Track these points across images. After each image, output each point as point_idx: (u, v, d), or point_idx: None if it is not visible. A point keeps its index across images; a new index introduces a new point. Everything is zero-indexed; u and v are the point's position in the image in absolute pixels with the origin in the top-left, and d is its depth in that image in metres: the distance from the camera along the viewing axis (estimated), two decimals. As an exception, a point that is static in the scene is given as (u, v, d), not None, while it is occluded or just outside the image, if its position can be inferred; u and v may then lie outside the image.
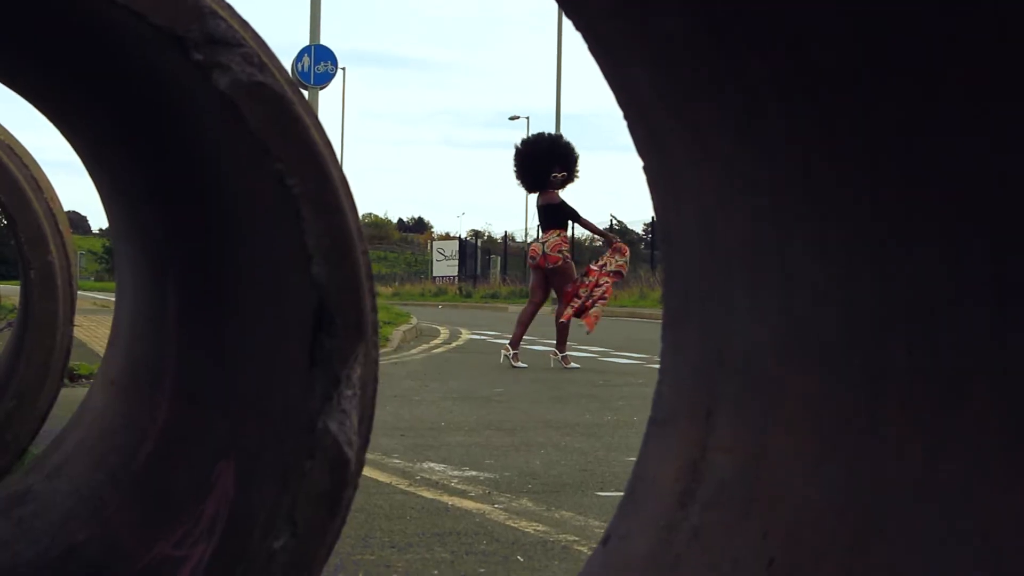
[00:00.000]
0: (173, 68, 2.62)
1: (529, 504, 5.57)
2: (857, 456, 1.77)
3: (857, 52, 1.70)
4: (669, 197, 2.23)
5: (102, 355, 12.52)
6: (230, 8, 2.55)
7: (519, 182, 15.20)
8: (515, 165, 15.15)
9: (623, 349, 17.97)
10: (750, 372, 2.00)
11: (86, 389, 8.24)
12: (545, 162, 14.88)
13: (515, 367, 14.18)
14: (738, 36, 1.86)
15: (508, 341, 14.98)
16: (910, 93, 1.62)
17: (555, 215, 14.94)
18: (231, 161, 2.82)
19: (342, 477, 2.48)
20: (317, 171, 2.49)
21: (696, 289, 2.18)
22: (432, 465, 6.64)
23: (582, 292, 14.54)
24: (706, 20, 1.90)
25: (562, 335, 14.66)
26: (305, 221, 2.47)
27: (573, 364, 14.45)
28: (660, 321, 2.35)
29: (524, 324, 14.92)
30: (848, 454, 1.79)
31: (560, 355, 14.56)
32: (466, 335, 21.55)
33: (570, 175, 15.02)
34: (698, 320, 2.16)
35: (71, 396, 6.81)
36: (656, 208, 2.32)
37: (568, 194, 15.94)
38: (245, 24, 2.56)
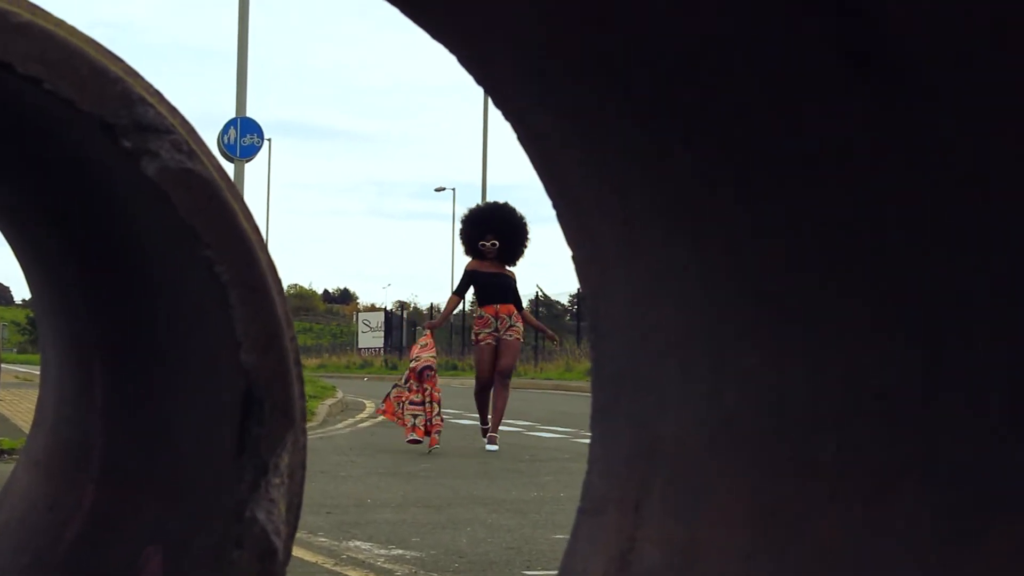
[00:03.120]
0: (101, 153, 2.62)
1: (456, 583, 5.54)
2: (787, 549, 1.78)
3: (785, 142, 1.72)
4: (599, 285, 2.24)
5: (25, 430, 12.30)
6: (159, 94, 2.54)
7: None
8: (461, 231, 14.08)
9: (549, 423, 17.93)
10: (680, 462, 2.01)
11: (9, 465, 8.13)
12: (479, 230, 13.72)
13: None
14: (666, 126, 1.88)
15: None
16: (838, 187, 1.64)
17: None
18: (160, 245, 2.81)
19: (270, 567, 2.46)
20: (245, 258, 2.49)
21: (626, 378, 2.18)
22: (358, 544, 6.59)
23: (415, 398, 12.99)
24: (633, 111, 1.92)
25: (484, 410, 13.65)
26: (234, 308, 2.46)
27: (492, 446, 13.09)
28: (586, 394, 2.36)
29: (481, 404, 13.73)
30: (779, 546, 1.80)
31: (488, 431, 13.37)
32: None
33: (504, 245, 13.62)
34: (627, 409, 2.17)
35: (-8, 474, 6.71)
36: (586, 294, 2.33)
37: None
38: (174, 110, 2.56)
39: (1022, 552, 1.57)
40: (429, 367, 13.11)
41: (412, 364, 13.24)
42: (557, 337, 15.74)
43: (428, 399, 12.91)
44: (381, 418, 14.86)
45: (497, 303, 13.54)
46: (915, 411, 1.61)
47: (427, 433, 12.87)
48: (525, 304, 14.78)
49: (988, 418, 1.63)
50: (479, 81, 2.29)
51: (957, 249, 1.61)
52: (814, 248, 1.72)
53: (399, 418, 12.95)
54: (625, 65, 1.87)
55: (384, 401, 13.29)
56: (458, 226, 14.30)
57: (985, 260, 1.59)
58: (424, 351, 13.41)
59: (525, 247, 13.88)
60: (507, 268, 13.77)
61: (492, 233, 13.62)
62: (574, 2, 1.89)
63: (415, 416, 12.84)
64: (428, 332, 13.96)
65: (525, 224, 13.88)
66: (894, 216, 1.63)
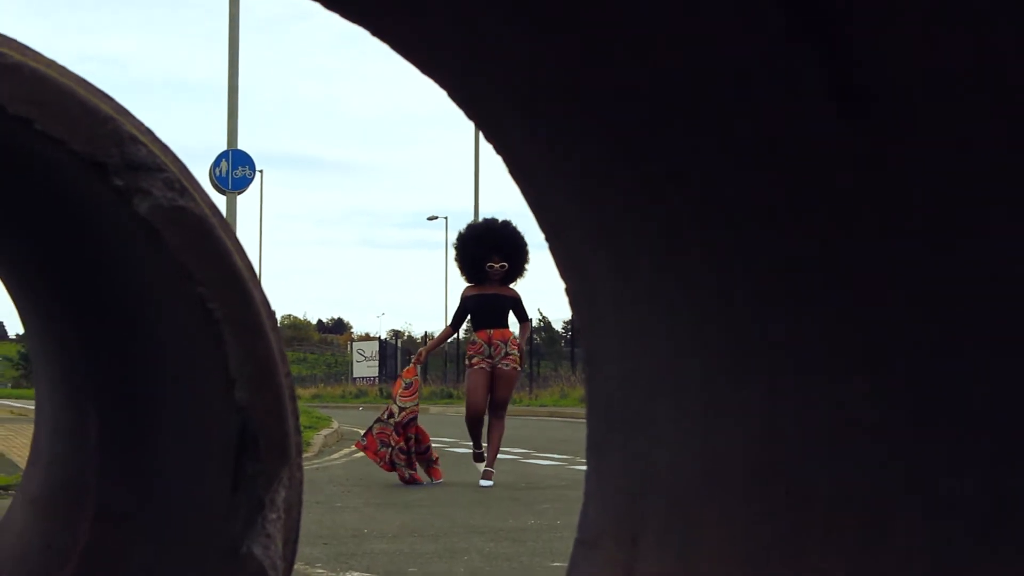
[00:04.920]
0: (93, 192, 2.62)
1: (454, 614, 5.53)
2: (783, 582, 1.78)
3: (774, 181, 1.73)
4: (591, 319, 2.24)
5: (20, 465, 12.26)
6: (150, 132, 2.55)
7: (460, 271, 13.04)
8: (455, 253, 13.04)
9: (545, 450, 17.92)
10: (675, 497, 2.01)
11: (5, 501, 8.11)
12: (482, 250, 12.74)
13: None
14: (656, 164, 1.88)
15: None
16: (825, 227, 1.65)
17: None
18: (153, 284, 2.81)
19: (268, 604, 2.46)
20: (239, 295, 2.49)
21: (619, 412, 2.19)
22: (356, 574, 6.58)
23: (401, 445, 12.51)
24: (623, 148, 1.93)
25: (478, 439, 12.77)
26: (227, 345, 2.46)
27: (486, 481, 12.36)
28: (582, 420, 2.36)
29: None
30: (774, 579, 1.80)
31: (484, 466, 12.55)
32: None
33: (511, 267, 12.80)
34: (622, 444, 2.17)
35: (-12, 511, 6.69)
36: (579, 327, 2.34)
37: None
38: (165, 148, 2.56)
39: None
40: (414, 418, 12.60)
41: (393, 408, 12.67)
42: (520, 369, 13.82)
43: (413, 448, 12.48)
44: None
45: (491, 327, 12.72)
46: (907, 443, 1.61)
47: (426, 470, 12.60)
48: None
49: (981, 448, 1.63)
50: (469, 116, 2.30)
51: (943, 284, 1.61)
52: (805, 283, 1.73)
53: (382, 459, 12.43)
54: (615, 101, 1.88)
55: (365, 435, 12.74)
56: (454, 247, 13.13)
57: (969, 295, 1.60)
58: (408, 397, 12.73)
59: (526, 265, 12.98)
60: (508, 289, 12.90)
61: (498, 254, 12.72)
62: (565, 41, 1.90)
63: (404, 464, 12.39)
64: (413, 366, 13.23)
65: (526, 243, 12.94)
66: (881, 251, 1.63)
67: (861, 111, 1.58)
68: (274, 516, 2.50)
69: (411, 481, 12.36)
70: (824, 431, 1.73)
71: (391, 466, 12.38)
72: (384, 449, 12.41)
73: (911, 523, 1.63)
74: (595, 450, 2.30)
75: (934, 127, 1.58)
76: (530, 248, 12.95)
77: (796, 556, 1.77)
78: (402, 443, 12.43)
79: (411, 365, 13.35)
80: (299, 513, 2.57)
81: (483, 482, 12.28)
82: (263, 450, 2.48)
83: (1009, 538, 1.62)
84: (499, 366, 12.64)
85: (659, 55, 1.78)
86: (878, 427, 1.65)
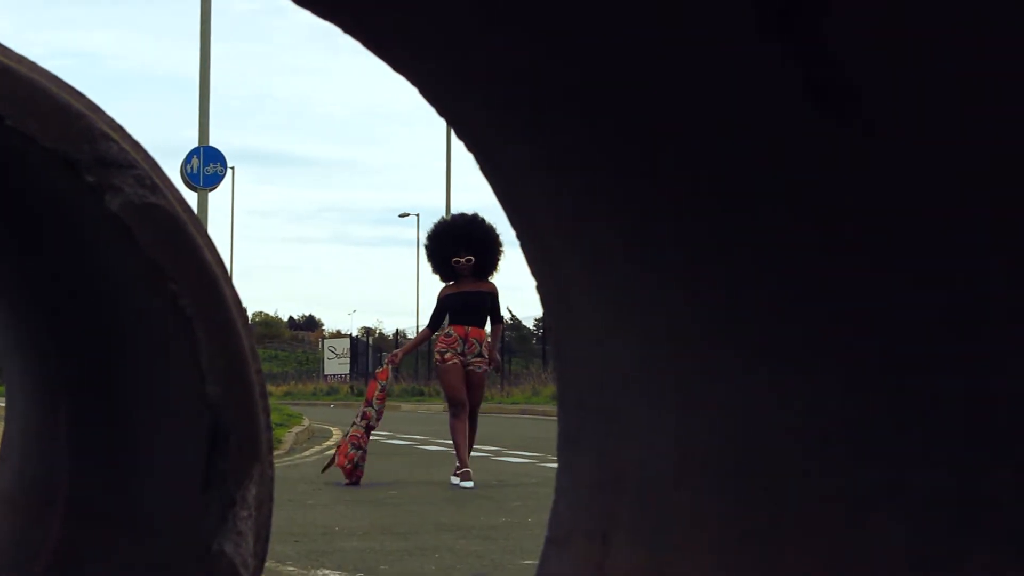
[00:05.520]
0: (64, 189, 2.62)
1: (425, 611, 5.53)
2: (755, 577, 1.79)
3: (750, 175, 1.73)
4: (562, 315, 2.25)
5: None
6: (121, 130, 2.55)
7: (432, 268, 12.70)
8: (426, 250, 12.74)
9: (516, 448, 17.92)
10: (646, 493, 2.01)
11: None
12: (450, 246, 12.43)
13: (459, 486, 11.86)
14: (631, 158, 1.89)
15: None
16: (802, 220, 1.65)
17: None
18: (123, 280, 2.81)
19: (239, 601, 2.46)
20: (210, 291, 2.49)
21: (591, 408, 2.19)
22: (327, 572, 6.57)
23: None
24: (598, 143, 1.93)
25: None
26: (198, 341, 2.46)
27: (464, 483, 11.88)
28: (553, 418, 2.36)
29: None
30: (745, 575, 1.80)
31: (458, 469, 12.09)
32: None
33: (479, 259, 12.44)
34: (593, 439, 2.18)
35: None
36: (550, 324, 2.34)
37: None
38: (136, 145, 2.56)
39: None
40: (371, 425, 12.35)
41: (370, 412, 12.37)
42: (496, 367, 13.61)
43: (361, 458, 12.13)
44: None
45: (469, 325, 12.38)
46: (884, 438, 1.62)
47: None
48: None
49: (958, 442, 1.64)
50: (441, 113, 2.30)
51: (921, 278, 1.62)
52: (778, 279, 1.74)
53: (350, 461, 12.03)
54: (590, 97, 1.88)
55: (339, 447, 12.36)
56: (424, 246, 12.84)
57: (948, 289, 1.61)
58: (382, 400, 12.52)
59: (500, 258, 12.61)
60: (487, 284, 12.56)
61: (464, 248, 12.42)
62: (534, 36, 1.90)
63: (356, 466, 12.03)
64: (387, 368, 13.01)
65: (498, 235, 12.63)
66: (858, 246, 1.64)
67: (839, 107, 1.59)
68: (245, 513, 2.50)
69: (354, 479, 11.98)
70: (799, 426, 1.73)
71: (353, 469, 12.01)
72: (354, 452, 12.09)
73: (887, 518, 1.64)
74: (566, 447, 2.31)
75: (917, 124, 1.59)
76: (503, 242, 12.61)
77: (770, 552, 1.78)
78: (359, 437, 12.21)
79: (385, 366, 13.14)
80: (270, 510, 2.57)
81: (463, 483, 11.81)
82: (234, 447, 2.47)
83: (986, 533, 1.63)
84: (471, 366, 12.30)
85: (631, 48, 1.79)
86: (853, 422, 1.66)
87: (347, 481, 11.91)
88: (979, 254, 1.59)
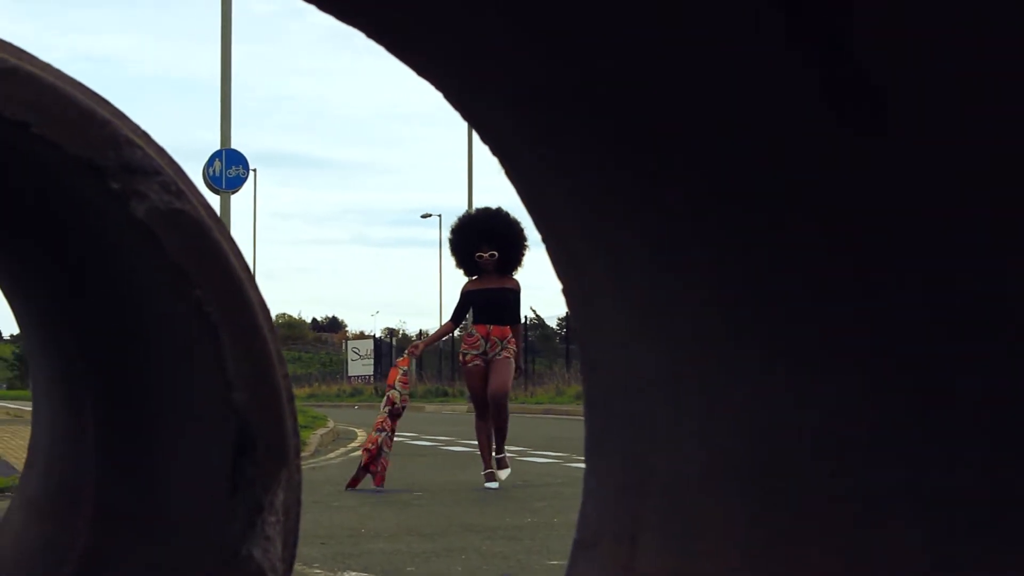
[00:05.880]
0: (90, 195, 2.62)
1: (452, 613, 5.53)
2: (783, 580, 1.79)
3: (771, 178, 1.73)
4: (588, 318, 2.24)
5: (16, 467, 12.20)
6: (146, 135, 2.55)
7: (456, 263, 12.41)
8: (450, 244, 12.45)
9: (541, 448, 17.91)
10: (673, 495, 2.01)
11: (3, 503, 8.11)
12: (473, 240, 12.12)
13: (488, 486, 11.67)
14: (654, 162, 1.89)
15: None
16: (825, 226, 1.65)
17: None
18: (148, 285, 2.81)
19: (267, 606, 2.46)
20: (236, 297, 2.49)
21: (617, 411, 2.19)
22: (354, 574, 6.58)
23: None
24: (621, 147, 1.93)
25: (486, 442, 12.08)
26: (224, 347, 2.47)
27: (488, 484, 11.70)
28: (577, 418, 2.36)
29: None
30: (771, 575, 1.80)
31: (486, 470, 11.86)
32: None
33: (503, 254, 12.12)
34: (619, 442, 2.17)
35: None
36: (576, 326, 2.34)
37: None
38: (161, 151, 2.56)
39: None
40: (405, 407, 12.16)
41: (394, 395, 12.10)
42: (520, 373, 13.09)
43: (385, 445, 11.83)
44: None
45: (491, 323, 12.08)
46: (904, 439, 1.62)
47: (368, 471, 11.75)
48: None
49: (977, 443, 1.64)
50: (465, 117, 2.30)
51: (937, 278, 1.62)
52: (800, 281, 1.73)
53: (373, 443, 11.76)
54: (613, 101, 1.88)
55: (367, 456, 11.87)
56: (448, 240, 12.57)
57: (966, 289, 1.60)
58: (406, 384, 12.29)
59: (524, 254, 12.25)
60: (510, 279, 12.25)
61: (488, 243, 12.11)
62: (559, 42, 1.90)
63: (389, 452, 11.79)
64: (407, 357, 12.75)
65: (522, 229, 12.23)
66: (876, 246, 1.64)
67: (860, 113, 1.58)
68: (273, 519, 2.50)
69: (358, 480, 11.67)
70: (823, 429, 1.73)
71: (377, 456, 11.70)
72: (377, 434, 11.80)
73: (909, 520, 1.64)
74: (594, 450, 2.31)
75: (918, 124, 1.59)
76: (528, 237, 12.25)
77: (795, 553, 1.78)
78: (392, 429, 11.92)
79: (405, 356, 12.89)
80: (298, 515, 2.58)
81: (488, 484, 11.63)
82: (261, 452, 2.48)
83: (1006, 533, 1.62)
84: (494, 357, 12.04)
85: (657, 53, 1.79)
86: (875, 424, 1.65)
87: (369, 472, 11.69)
88: (1001, 254, 1.59)
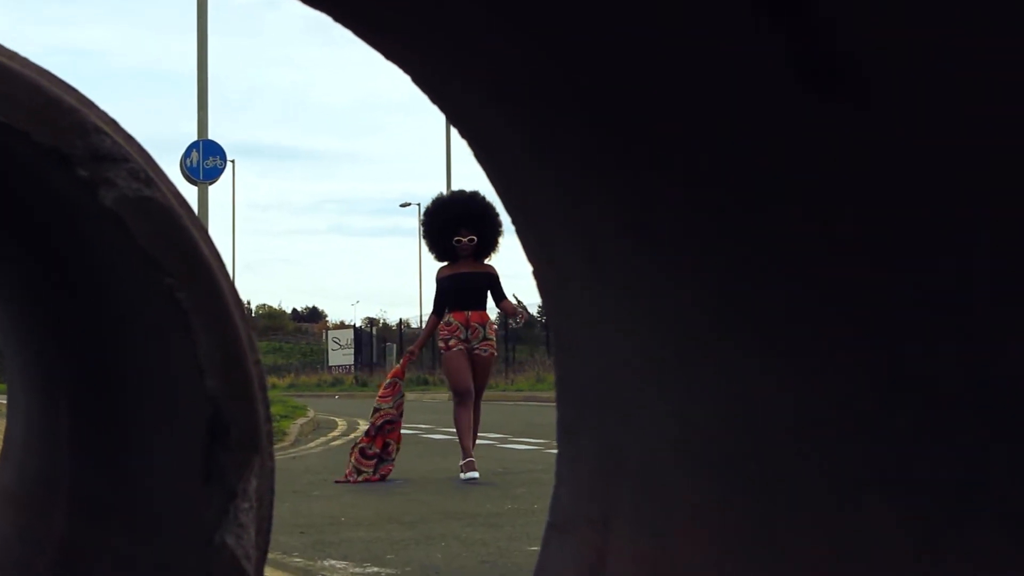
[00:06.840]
0: (58, 184, 2.61)
1: (432, 600, 5.52)
2: (756, 561, 1.78)
3: (749, 158, 1.73)
4: (561, 302, 2.24)
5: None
6: (114, 123, 2.54)
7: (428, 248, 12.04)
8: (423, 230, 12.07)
9: (521, 435, 17.92)
10: (647, 479, 2.01)
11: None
12: (449, 224, 11.75)
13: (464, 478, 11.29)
14: (628, 142, 1.88)
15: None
16: (805, 211, 1.65)
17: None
18: (121, 275, 2.80)
19: (241, 593, 2.46)
20: (207, 284, 2.48)
21: (590, 395, 2.19)
22: (333, 562, 6.57)
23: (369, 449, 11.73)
24: (594, 127, 1.92)
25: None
26: (196, 334, 2.46)
27: (467, 474, 11.31)
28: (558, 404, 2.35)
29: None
30: (746, 559, 1.80)
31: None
32: (364, 426, 21.31)
33: (480, 239, 11.83)
34: (593, 426, 2.17)
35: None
36: (548, 311, 2.33)
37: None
38: (130, 138, 2.55)
39: (992, 562, 1.58)
40: (389, 421, 11.80)
41: (381, 412, 11.82)
42: (524, 317, 12.63)
43: (386, 453, 11.66)
44: (353, 435, 13.78)
45: (469, 309, 11.75)
46: (881, 422, 1.62)
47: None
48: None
49: (956, 427, 1.64)
50: (434, 100, 2.30)
51: (918, 258, 1.62)
52: (777, 263, 1.73)
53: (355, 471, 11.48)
54: (586, 82, 1.88)
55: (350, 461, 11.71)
56: (421, 224, 12.23)
57: (946, 268, 1.60)
58: (383, 397, 11.97)
59: (499, 238, 11.90)
60: (484, 265, 11.90)
61: (466, 227, 11.75)
62: (530, 25, 1.90)
63: (360, 471, 11.42)
64: (404, 363, 12.52)
65: (497, 213, 11.84)
66: (853, 227, 1.64)
67: (836, 92, 1.58)
68: (246, 505, 2.49)
69: (344, 480, 11.43)
70: (799, 413, 1.73)
71: (369, 465, 11.55)
72: (363, 459, 11.60)
73: (886, 501, 1.64)
74: (567, 434, 2.30)
75: (918, 124, 1.59)
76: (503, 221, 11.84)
77: (770, 537, 1.78)
78: (367, 444, 11.67)
79: (405, 356, 12.70)
80: (271, 502, 2.57)
81: (469, 474, 11.27)
82: (234, 439, 2.47)
83: (980, 514, 1.62)
84: (476, 351, 11.72)
85: (622, 44, 1.78)
86: (852, 407, 1.65)
87: (375, 477, 11.44)
88: (983, 244, 1.59)
